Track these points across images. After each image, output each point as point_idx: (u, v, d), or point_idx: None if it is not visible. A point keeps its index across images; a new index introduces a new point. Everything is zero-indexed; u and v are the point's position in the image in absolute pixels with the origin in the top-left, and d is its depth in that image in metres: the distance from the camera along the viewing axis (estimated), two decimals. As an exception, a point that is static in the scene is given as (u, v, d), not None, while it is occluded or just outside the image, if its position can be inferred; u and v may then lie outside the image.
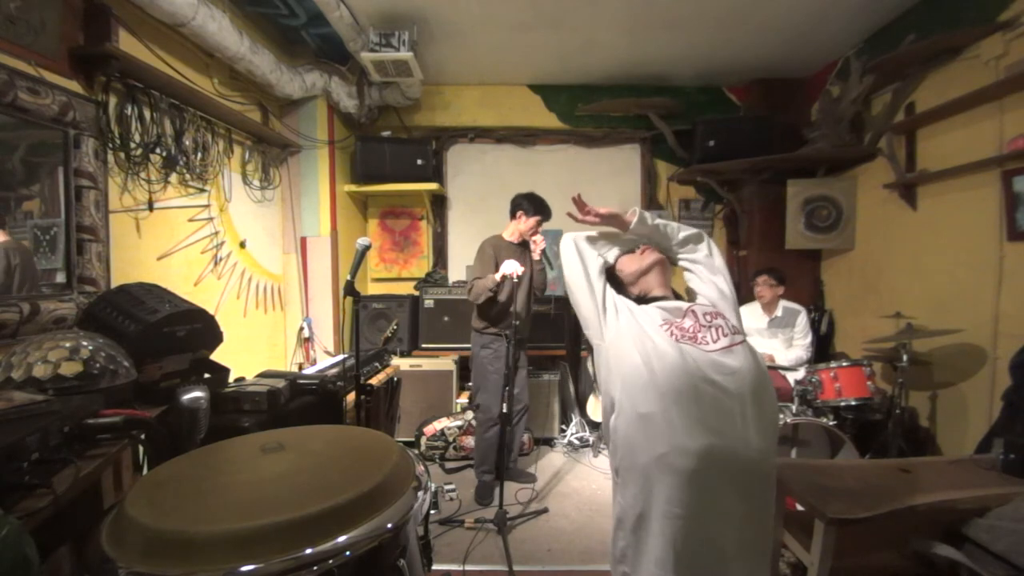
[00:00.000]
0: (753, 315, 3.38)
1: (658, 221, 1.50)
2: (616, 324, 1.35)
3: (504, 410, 2.65)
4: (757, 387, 1.23)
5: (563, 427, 3.97)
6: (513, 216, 3.06)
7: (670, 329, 1.28)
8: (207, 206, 2.79)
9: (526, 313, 3.05)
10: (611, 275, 1.51)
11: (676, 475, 1.17)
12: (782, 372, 3.21)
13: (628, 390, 1.27)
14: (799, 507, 1.73)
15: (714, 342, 1.26)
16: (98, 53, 2.00)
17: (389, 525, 0.90)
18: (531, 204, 2.99)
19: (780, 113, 3.95)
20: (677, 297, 1.47)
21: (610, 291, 1.43)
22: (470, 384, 3.15)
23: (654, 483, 1.20)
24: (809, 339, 3.33)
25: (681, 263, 1.52)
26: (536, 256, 2.97)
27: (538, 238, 2.94)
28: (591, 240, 1.52)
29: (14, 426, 1.09)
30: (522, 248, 3.06)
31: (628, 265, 1.51)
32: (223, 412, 1.79)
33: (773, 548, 1.79)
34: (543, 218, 3.01)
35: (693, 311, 1.34)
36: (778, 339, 3.38)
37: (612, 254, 1.53)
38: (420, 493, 1.00)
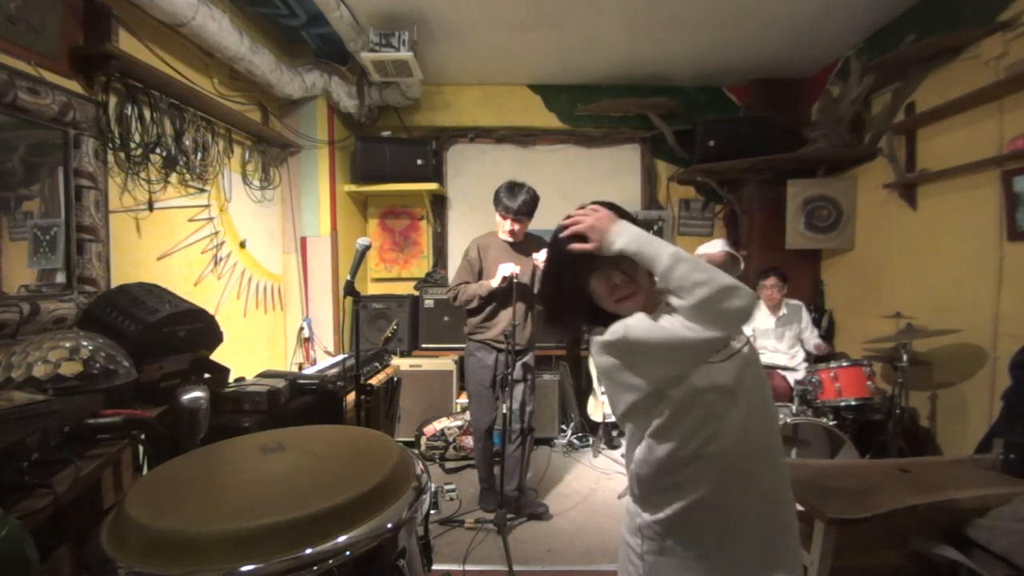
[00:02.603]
0: (760, 316, 3.39)
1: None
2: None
3: (500, 416, 2.60)
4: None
5: (563, 427, 3.97)
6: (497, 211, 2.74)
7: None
8: (207, 206, 2.79)
9: (524, 321, 2.75)
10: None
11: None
12: (781, 372, 3.21)
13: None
14: (799, 507, 1.73)
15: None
16: (98, 53, 2.00)
17: (389, 525, 0.90)
18: (506, 199, 2.64)
19: (780, 113, 3.95)
20: None
21: None
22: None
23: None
24: (816, 329, 3.54)
25: None
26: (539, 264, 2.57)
27: (539, 255, 2.52)
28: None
29: (14, 426, 1.09)
30: (522, 245, 2.78)
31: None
32: (223, 412, 1.79)
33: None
34: (521, 218, 2.66)
35: None
36: (786, 337, 3.39)
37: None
38: (420, 494, 1.00)
